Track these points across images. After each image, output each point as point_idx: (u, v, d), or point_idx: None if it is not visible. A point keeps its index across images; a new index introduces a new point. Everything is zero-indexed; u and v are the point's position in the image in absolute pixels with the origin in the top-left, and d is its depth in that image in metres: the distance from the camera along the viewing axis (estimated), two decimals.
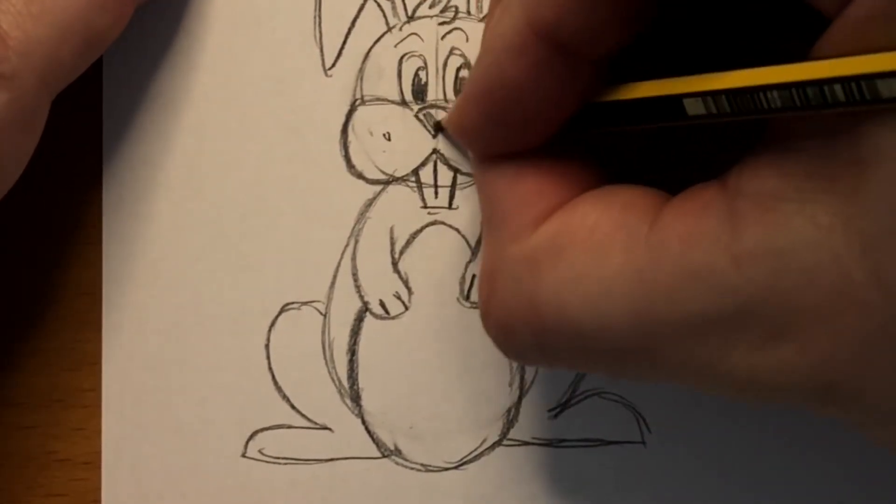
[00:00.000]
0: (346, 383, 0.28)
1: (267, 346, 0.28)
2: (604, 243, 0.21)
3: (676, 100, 0.20)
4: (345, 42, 0.28)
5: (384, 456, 0.27)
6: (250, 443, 0.27)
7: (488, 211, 0.24)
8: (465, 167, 0.28)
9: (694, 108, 0.20)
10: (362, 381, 0.28)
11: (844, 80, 0.17)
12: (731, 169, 0.20)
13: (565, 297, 0.21)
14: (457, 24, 0.28)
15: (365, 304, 0.28)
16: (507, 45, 0.22)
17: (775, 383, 0.19)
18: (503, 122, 0.23)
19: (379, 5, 0.28)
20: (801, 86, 0.18)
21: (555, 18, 0.21)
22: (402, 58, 0.28)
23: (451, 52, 0.28)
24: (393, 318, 0.28)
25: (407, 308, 0.28)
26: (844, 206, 0.18)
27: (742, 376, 0.20)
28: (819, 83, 0.18)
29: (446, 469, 0.27)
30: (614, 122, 0.23)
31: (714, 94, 0.20)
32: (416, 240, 0.28)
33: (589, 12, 0.21)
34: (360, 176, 0.28)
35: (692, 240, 0.20)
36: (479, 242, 0.28)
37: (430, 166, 0.28)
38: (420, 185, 0.28)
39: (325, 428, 0.28)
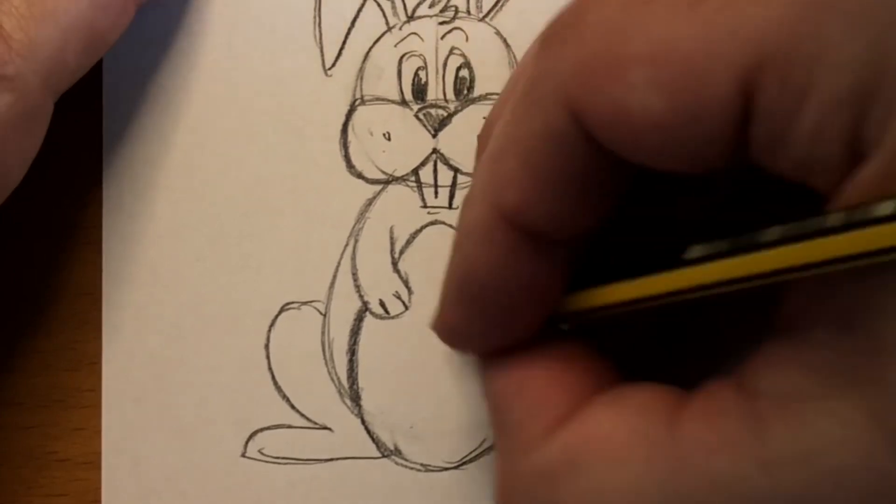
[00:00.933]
0: (345, 383, 0.28)
1: (267, 346, 0.28)
2: (622, 454, 0.20)
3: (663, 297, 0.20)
4: (345, 42, 0.28)
5: (384, 456, 0.27)
6: (250, 443, 0.27)
7: (498, 420, 0.23)
8: (465, 167, 0.28)
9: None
10: (362, 381, 0.28)
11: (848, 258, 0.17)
12: (746, 364, 0.20)
13: None
14: (457, 23, 0.28)
15: (365, 304, 0.28)
16: (474, 235, 0.21)
17: None
18: (486, 316, 0.23)
19: (379, 5, 0.28)
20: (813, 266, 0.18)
21: (520, 202, 0.20)
22: (401, 58, 0.28)
23: (450, 52, 0.28)
24: (393, 318, 0.28)
25: (407, 308, 0.28)
26: (870, 399, 0.17)
27: None
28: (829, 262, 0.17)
29: (446, 469, 0.27)
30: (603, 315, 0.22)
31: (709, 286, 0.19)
32: (416, 240, 0.28)
33: (555, 198, 0.20)
34: (360, 176, 0.28)
35: (715, 447, 0.19)
36: None
37: (430, 166, 0.28)
38: (420, 185, 0.28)
39: (325, 428, 0.27)
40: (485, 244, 0.21)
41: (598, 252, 0.23)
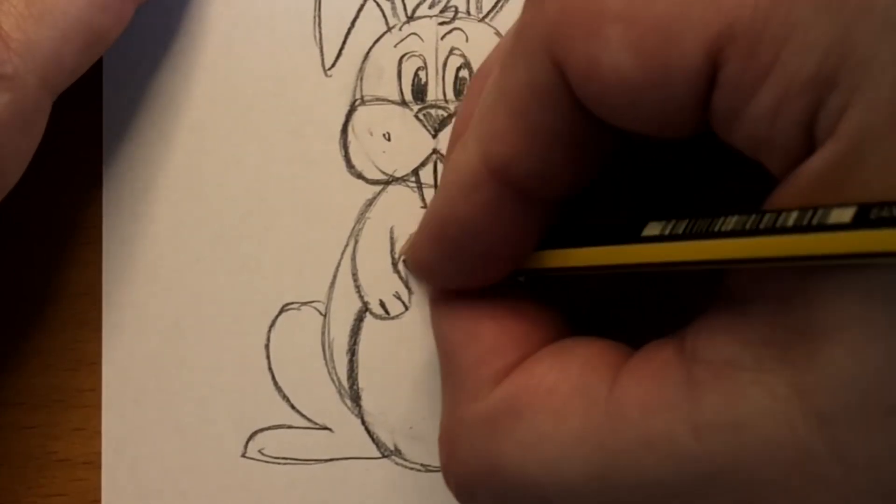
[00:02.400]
0: (345, 383, 0.28)
1: (267, 346, 0.28)
2: (563, 407, 0.21)
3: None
4: (345, 42, 0.28)
5: (384, 456, 0.27)
6: (250, 443, 0.27)
7: (445, 365, 0.24)
8: None
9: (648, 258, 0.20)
10: (362, 381, 0.28)
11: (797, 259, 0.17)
12: (688, 328, 0.20)
13: (526, 461, 0.21)
14: (456, 24, 0.28)
15: (365, 304, 0.28)
16: (461, 181, 0.22)
17: None
18: (457, 259, 0.23)
19: (379, 5, 0.28)
20: (759, 261, 0.18)
21: (508, 157, 0.21)
22: (401, 58, 0.28)
23: (450, 52, 0.28)
24: (393, 318, 0.28)
25: (407, 308, 0.28)
26: (799, 377, 0.18)
27: None
28: (773, 260, 0.18)
29: None
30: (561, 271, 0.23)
31: (666, 265, 0.20)
32: None
33: (541, 155, 0.21)
34: (360, 176, 0.28)
35: (651, 407, 0.19)
36: None
37: (430, 166, 0.28)
38: (420, 185, 0.28)
39: (325, 428, 0.28)
40: (469, 192, 0.22)
41: (571, 213, 0.23)
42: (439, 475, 0.27)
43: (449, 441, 0.23)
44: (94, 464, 0.28)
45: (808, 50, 0.17)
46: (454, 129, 0.26)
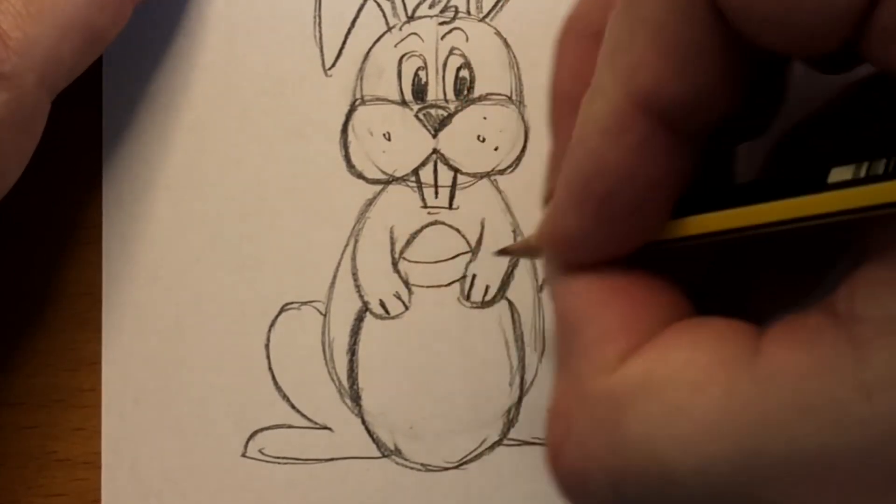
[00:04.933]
0: (346, 383, 0.28)
1: (267, 346, 0.28)
2: (701, 379, 0.19)
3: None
4: (345, 42, 0.28)
5: (384, 456, 0.27)
6: (250, 443, 0.27)
7: (566, 336, 0.22)
8: (465, 167, 0.28)
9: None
10: (362, 381, 0.28)
11: None
12: (836, 293, 0.19)
13: (657, 439, 0.19)
14: (457, 24, 0.28)
15: (365, 304, 0.28)
16: (602, 128, 0.20)
17: None
18: (607, 219, 0.21)
19: (379, 5, 0.28)
20: None
21: (656, 86, 0.19)
22: (402, 58, 0.28)
23: (451, 52, 0.28)
24: (393, 318, 0.28)
25: (407, 308, 0.28)
26: None
27: None
28: None
29: (446, 469, 0.27)
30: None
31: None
32: (416, 240, 0.28)
33: (689, 78, 0.19)
34: (360, 176, 0.28)
35: (808, 372, 0.18)
36: (479, 242, 0.28)
37: (430, 166, 0.28)
38: (420, 185, 0.28)
39: (325, 428, 0.27)
40: (617, 136, 0.20)
41: (709, 174, 0.22)
42: (439, 475, 0.27)
43: (564, 419, 0.21)
44: (94, 464, 0.28)
45: None
46: (553, 86, 0.24)
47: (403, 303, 0.28)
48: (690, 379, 0.19)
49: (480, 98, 0.28)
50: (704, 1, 0.19)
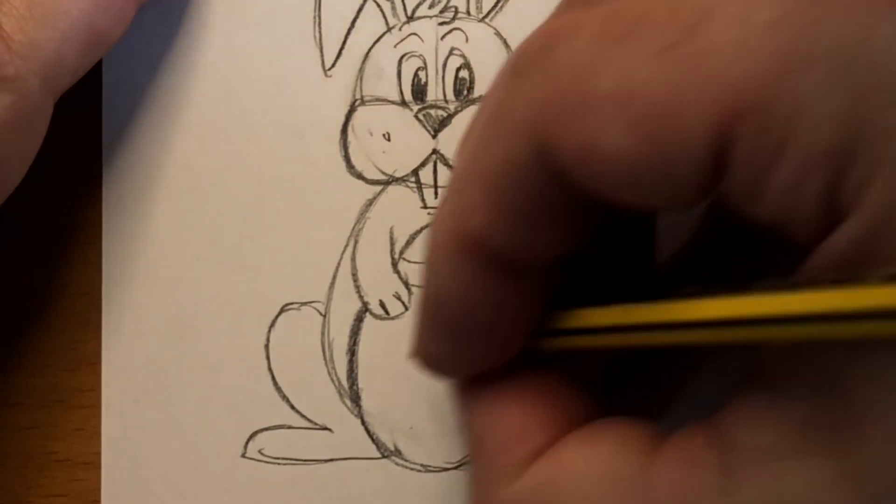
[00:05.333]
0: (345, 383, 0.28)
1: (267, 346, 0.28)
2: (594, 494, 0.20)
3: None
4: (345, 42, 0.28)
5: (384, 456, 0.27)
6: (250, 443, 0.27)
7: (473, 449, 0.23)
8: None
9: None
10: (362, 382, 0.28)
11: (832, 317, 0.16)
12: (723, 412, 0.19)
13: None
14: (456, 24, 0.28)
15: (365, 304, 0.28)
16: (441, 260, 0.21)
17: None
18: (461, 344, 0.22)
19: (379, 5, 0.28)
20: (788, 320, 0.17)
21: (481, 232, 0.20)
22: (401, 58, 0.28)
23: (450, 53, 0.28)
24: (393, 318, 0.28)
25: (407, 308, 0.28)
26: (845, 462, 0.17)
27: None
28: (803, 318, 0.17)
29: (446, 469, 0.27)
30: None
31: (685, 325, 0.19)
32: (416, 240, 0.28)
33: (516, 228, 0.20)
34: (360, 176, 0.28)
35: (685, 495, 0.19)
36: None
37: (430, 166, 0.28)
38: (420, 186, 0.28)
39: (325, 428, 0.28)
40: (453, 272, 0.21)
41: (581, 274, 0.22)
42: (439, 475, 0.27)
43: None
44: (94, 464, 0.28)
45: (822, 122, 0.16)
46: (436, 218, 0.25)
47: (403, 303, 0.28)
48: (585, 494, 0.20)
49: (480, 98, 0.28)
50: (544, 167, 0.19)
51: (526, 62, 0.20)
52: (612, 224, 0.22)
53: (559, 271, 0.22)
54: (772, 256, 0.19)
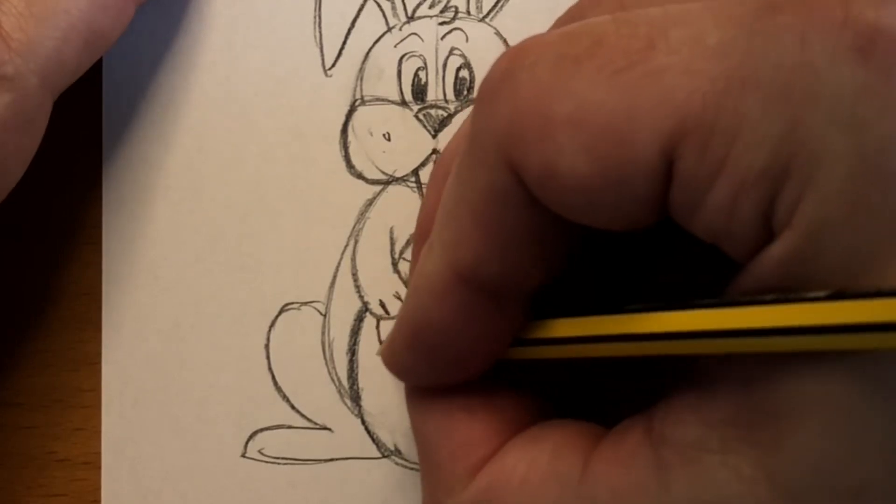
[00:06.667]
0: (346, 383, 0.28)
1: (267, 346, 0.28)
2: (535, 496, 0.21)
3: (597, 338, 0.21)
4: (345, 42, 0.28)
5: (384, 456, 0.27)
6: (250, 443, 0.27)
7: (422, 459, 0.24)
8: None
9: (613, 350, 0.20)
10: (362, 381, 0.28)
11: (762, 332, 0.17)
12: (656, 408, 0.20)
13: None
14: (456, 24, 0.28)
15: (365, 304, 0.28)
16: (429, 288, 0.22)
17: None
18: (433, 362, 0.23)
19: (379, 5, 0.28)
20: (719, 335, 0.18)
21: (474, 262, 0.21)
22: (401, 58, 0.28)
23: (450, 53, 0.28)
24: (393, 318, 0.28)
25: None
26: (766, 458, 0.18)
27: None
28: (733, 333, 0.18)
29: None
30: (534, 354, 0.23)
31: (637, 337, 0.20)
32: None
33: (507, 257, 0.21)
34: (360, 176, 0.28)
35: (622, 492, 0.19)
36: None
37: (429, 166, 0.28)
38: (420, 186, 0.28)
39: (325, 428, 0.28)
40: (440, 299, 0.22)
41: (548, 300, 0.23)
42: None
43: None
44: (94, 464, 0.28)
45: (759, 144, 0.17)
46: (418, 221, 0.26)
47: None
48: (526, 497, 0.21)
49: None
50: (522, 190, 0.20)
51: (491, 89, 0.20)
52: (591, 248, 0.23)
53: (532, 300, 0.22)
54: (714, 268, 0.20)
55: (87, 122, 0.28)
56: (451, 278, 0.21)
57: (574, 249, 0.22)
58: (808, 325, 0.17)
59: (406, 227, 0.28)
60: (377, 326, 0.28)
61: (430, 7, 0.28)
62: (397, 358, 0.24)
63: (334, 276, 0.28)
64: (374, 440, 0.27)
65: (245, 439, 0.28)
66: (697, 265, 0.22)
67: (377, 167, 0.28)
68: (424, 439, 0.24)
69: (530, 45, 0.20)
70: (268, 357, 0.28)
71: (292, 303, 0.28)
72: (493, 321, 0.22)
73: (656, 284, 0.24)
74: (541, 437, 0.22)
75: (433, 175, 0.26)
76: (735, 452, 0.18)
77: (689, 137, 0.17)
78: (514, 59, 0.20)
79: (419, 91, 0.28)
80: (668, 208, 0.19)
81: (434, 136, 0.28)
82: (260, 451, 0.27)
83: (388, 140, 0.28)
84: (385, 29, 0.28)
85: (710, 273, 0.20)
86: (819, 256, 0.17)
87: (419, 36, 0.28)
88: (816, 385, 0.17)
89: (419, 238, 0.25)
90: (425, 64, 0.28)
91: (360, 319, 0.28)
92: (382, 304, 0.28)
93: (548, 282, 0.22)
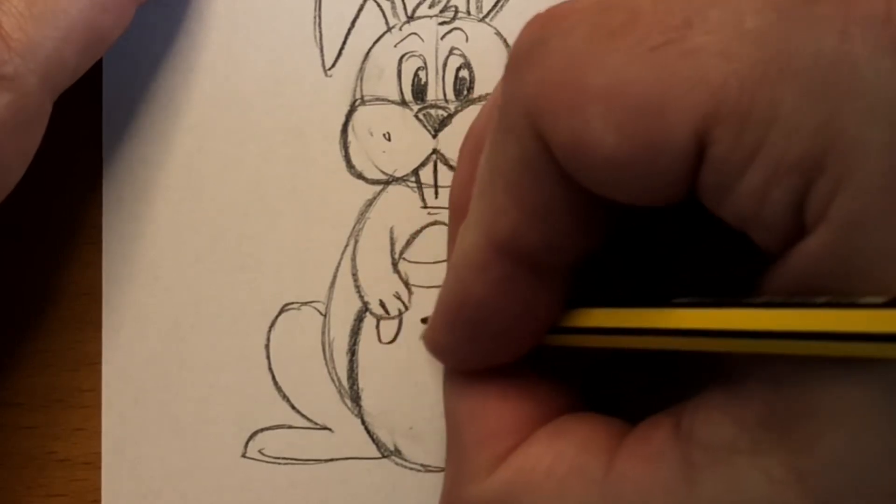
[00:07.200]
0: (346, 383, 0.28)
1: (267, 346, 0.28)
2: (559, 490, 0.21)
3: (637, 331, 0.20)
4: (345, 42, 0.28)
5: (384, 456, 0.27)
6: (250, 443, 0.27)
7: (450, 443, 0.24)
8: None
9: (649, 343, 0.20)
10: (362, 381, 0.28)
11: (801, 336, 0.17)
12: (685, 406, 0.20)
13: None
14: (456, 24, 0.28)
15: (365, 304, 0.28)
16: (469, 262, 0.22)
17: None
18: (476, 341, 0.23)
19: (379, 5, 0.28)
20: (751, 335, 0.18)
21: (512, 233, 0.21)
22: (401, 58, 0.28)
23: (450, 52, 0.28)
24: (393, 318, 0.28)
25: (407, 308, 0.28)
26: (798, 460, 0.18)
27: None
28: (788, 335, 0.18)
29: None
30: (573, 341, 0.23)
31: (672, 332, 0.19)
32: (416, 240, 0.28)
33: (544, 227, 0.20)
34: (360, 176, 0.28)
35: (648, 490, 0.19)
36: None
37: (430, 166, 0.28)
38: (420, 185, 0.28)
39: (325, 428, 0.28)
40: (480, 273, 0.21)
41: (589, 286, 0.23)
42: (439, 475, 0.27)
43: None
44: (94, 464, 0.28)
45: (795, 133, 0.17)
46: (451, 199, 0.25)
47: (403, 303, 0.28)
48: (550, 491, 0.21)
49: (480, 98, 0.28)
50: (552, 162, 0.19)
51: (522, 56, 0.20)
52: (628, 226, 0.23)
53: (574, 277, 0.22)
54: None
55: (87, 122, 0.28)
56: (490, 251, 0.21)
57: (612, 223, 0.21)
58: (865, 333, 0.16)
59: (406, 227, 0.28)
60: (377, 326, 0.28)
61: (430, 7, 0.28)
62: (438, 336, 0.23)
63: (334, 276, 0.28)
64: (374, 440, 0.27)
65: (245, 439, 0.27)
66: (726, 256, 0.22)
67: (377, 167, 0.28)
68: (455, 423, 0.24)
69: (564, 12, 0.20)
70: (268, 357, 0.28)
71: (292, 303, 0.28)
72: (534, 296, 0.22)
73: (686, 274, 0.24)
74: (567, 429, 0.22)
75: (463, 148, 0.25)
76: (766, 454, 0.18)
77: (724, 122, 0.17)
78: (547, 26, 0.20)
79: (419, 91, 0.28)
80: (697, 189, 0.19)
81: (434, 136, 0.28)
82: (260, 451, 0.27)
83: (389, 140, 0.28)
84: (385, 29, 0.28)
85: (738, 265, 0.20)
86: (856, 253, 0.17)
87: (419, 36, 0.28)
88: (850, 388, 0.17)
89: (453, 215, 0.25)
90: (425, 64, 0.28)
91: (360, 319, 0.28)
92: (382, 304, 0.28)
93: (587, 255, 0.22)
